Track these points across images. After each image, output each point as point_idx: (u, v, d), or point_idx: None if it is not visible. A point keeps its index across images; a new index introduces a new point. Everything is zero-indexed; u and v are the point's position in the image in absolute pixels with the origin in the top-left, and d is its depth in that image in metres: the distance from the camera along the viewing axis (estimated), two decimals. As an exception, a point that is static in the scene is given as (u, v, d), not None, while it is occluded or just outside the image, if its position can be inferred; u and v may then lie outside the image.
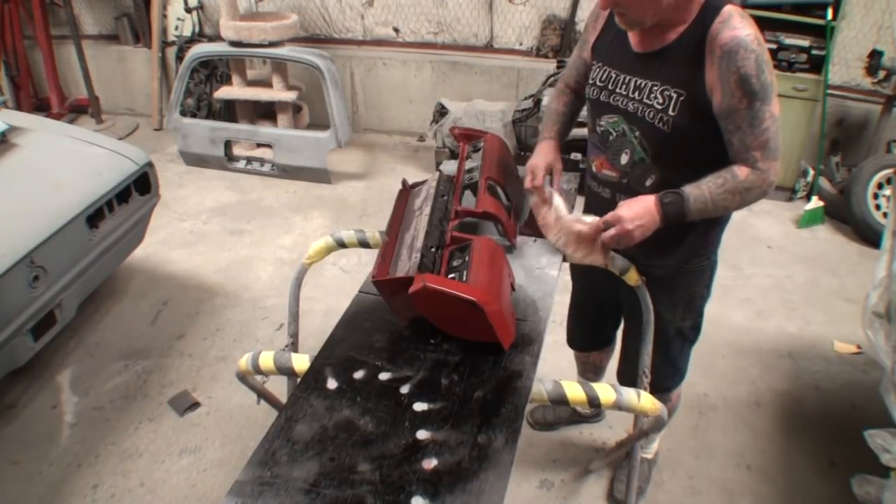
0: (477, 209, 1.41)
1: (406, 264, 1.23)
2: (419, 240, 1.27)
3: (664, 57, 1.38)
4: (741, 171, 1.35)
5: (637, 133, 1.45)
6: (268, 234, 3.58)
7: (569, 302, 2.06)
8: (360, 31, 4.77)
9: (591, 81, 1.54)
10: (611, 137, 1.51)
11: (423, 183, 1.57)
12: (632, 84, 1.44)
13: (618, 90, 1.47)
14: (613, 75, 1.48)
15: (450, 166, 1.69)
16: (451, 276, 1.20)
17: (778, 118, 1.33)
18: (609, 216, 1.37)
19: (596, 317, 2.01)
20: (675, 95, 1.36)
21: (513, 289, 1.34)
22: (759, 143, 1.32)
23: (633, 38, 1.45)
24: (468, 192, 1.48)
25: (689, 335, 1.75)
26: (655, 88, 1.39)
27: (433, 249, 1.26)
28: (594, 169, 1.59)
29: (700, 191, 1.35)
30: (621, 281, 1.58)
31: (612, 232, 1.36)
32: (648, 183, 1.48)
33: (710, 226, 1.55)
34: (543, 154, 1.59)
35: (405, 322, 1.25)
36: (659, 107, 1.38)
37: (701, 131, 1.37)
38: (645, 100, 1.41)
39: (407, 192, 1.57)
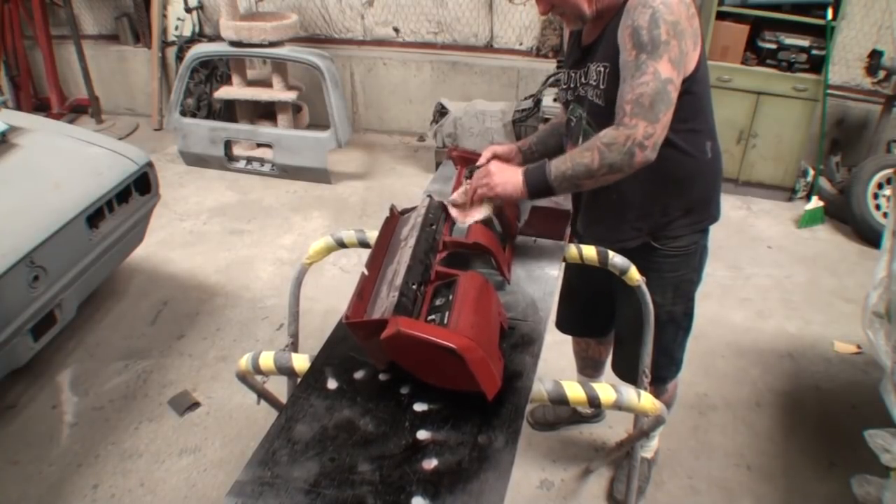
0: (467, 240, 1.34)
1: (384, 303, 1.10)
2: (400, 276, 1.15)
3: (601, 39, 1.46)
4: (606, 129, 1.35)
5: (585, 113, 1.54)
6: (268, 234, 3.58)
7: (560, 285, 2.03)
8: (360, 31, 4.77)
9: (561, 88, 1.66)
10: (572, 124, 1.61)
11: (412, 209, 1.46)
12: (581, 73, 1.55)
13: (573, 84, 1.58)
14: (572, 74, 1.60)
15: (443, 184, 1.64)
16: (432, 317, 1.10)
17: (665, 80, 1.29)
18: (481, 169, 1.45)
19: (586, 304, 2.00)
20: (602, 69, 1.44)
21: (503, 329, 1.20)
22: (633, 95, 1.30)
23: (584, 35, 1.56)
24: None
25: (682, 322, 1.76)
26: (592, 67, 1.48)
27: (415, 287, 1.14)
28: None
29: (565, 155, 1.39)
30: (612, 273, 1.57)
31: (478, 183, 1.42)
32: None
33: (669, 196, 1.57)
34: (501, 146, 1.72)
35: (383, 366, 1.14)
36: (594, 83, 1.48)
37: None
38: (589, 81, 1.51)
39: (395, 218, 1.44)
